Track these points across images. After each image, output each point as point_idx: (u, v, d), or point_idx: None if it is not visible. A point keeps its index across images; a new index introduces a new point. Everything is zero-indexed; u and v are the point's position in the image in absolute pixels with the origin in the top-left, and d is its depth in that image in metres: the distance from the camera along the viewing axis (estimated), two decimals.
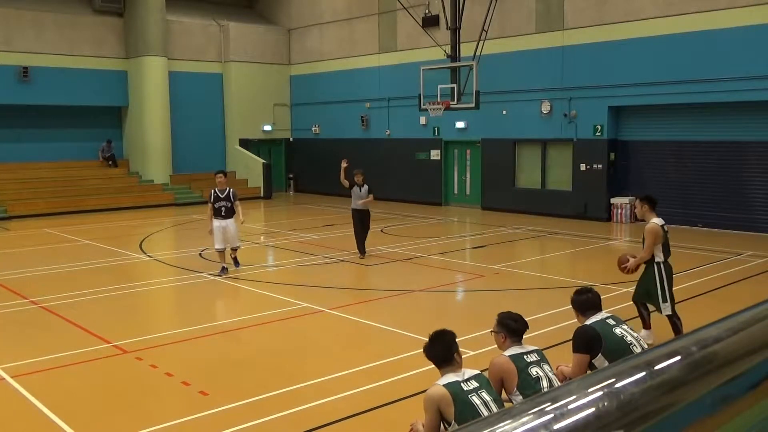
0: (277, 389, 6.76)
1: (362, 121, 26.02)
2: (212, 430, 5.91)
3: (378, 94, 25.32)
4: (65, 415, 6.25)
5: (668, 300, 7.78)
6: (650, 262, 7.88)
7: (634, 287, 8.26)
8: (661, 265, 7.82)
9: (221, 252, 12.43)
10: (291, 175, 29.32)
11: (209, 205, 12.62)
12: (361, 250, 13.84)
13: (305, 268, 13.20)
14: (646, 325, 8.07)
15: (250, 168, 27.74)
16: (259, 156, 27.80)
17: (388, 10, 24.67)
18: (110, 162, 26.53)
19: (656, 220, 7.95)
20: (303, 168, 28.99)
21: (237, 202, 12.64)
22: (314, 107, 28.22)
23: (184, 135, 27.07)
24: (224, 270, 12.38)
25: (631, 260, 8.02)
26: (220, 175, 12.69)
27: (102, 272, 13.16)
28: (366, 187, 13.98)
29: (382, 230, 17.95)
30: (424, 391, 4.37)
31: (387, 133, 25.22)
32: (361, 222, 13.90)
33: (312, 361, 7.88)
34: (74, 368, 7.71)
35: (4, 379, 7.22)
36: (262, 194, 27.03)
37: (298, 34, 28.82)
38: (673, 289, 8.02)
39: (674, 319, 7.81)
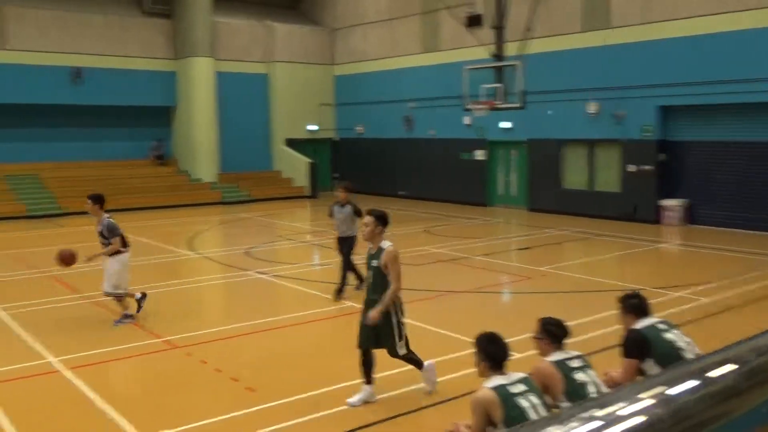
0: (323, 387, 6.84)
1: (406, 121, 26.05)
2: (259, 426, 6.02)
3: (421, 94, 25.31)
4: (117, 406, 6.43)
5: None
6: None
7: None
8: None
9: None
10: (336, 175, 29.50)
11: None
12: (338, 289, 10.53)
13: None
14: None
15: (296, 167, 28.04)
16: (304, 156, 28.07)
17: (430, 10, 24.64)
18: (160, 161, 27.11)
19: None
20: (348, 167, 29.16)
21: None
22: (358, 107, 28.36)
23: (231, 134, 27.50)
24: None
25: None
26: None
27: (152, 269, 13.48)
28: (349, 206, 10.65)
29: (426, 230, 17.95)
30: (469, 393, 4.38)
31: (431, 133, 25.20)
32: (340, 250, 10.84)
33: (357, 361, 7.95)
34: (126, 362, 7.94)
35: (59, 371, 7.48)
36: (307, 193, 27.28)
37: (342, 34, 29.00)
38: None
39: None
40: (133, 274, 12.99)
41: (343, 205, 10.63)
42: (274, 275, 12.58)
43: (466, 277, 12.45)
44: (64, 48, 24.55)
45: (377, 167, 27.65)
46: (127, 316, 9.35)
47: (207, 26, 26.21)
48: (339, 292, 10.49)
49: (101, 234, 9.26)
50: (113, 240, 9.20)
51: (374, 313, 6.21)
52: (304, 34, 28.95)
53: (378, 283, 6.30)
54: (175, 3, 26.38)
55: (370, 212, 6.42)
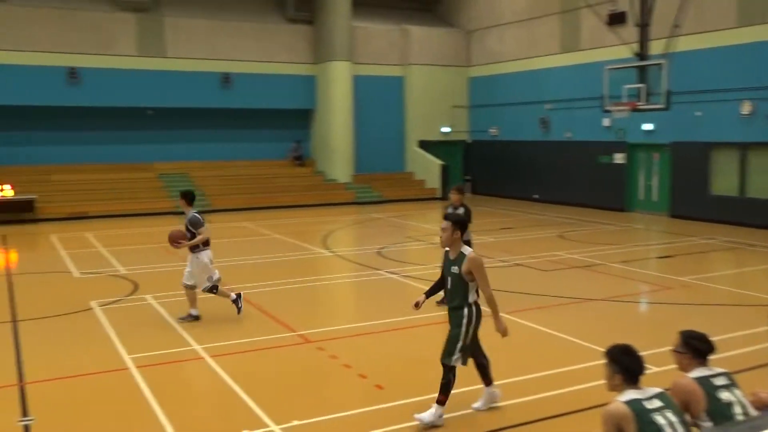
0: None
1: (542, 123, 25.48)
2: (386, 424, 6.11)
3: (559, 95, 24.66)
4: (253, 394, 6.76)
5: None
6: None
7: None
8: None
9: None
10: (468, 177, 29.38)
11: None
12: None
13: None
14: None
15: (428, 169, 28.21)
16: (437, 158, 28.17)
17: (570, 9, 23.95)
18: (298, 162, 28.21)
19: None
20: (480, 170, 28.95)
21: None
22: (493, 109, 28.08)
23: (366, 136, 28.13)
24: None
25: None
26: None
27: (287, 265, 14.05)
28: (462, 210, 9.97)
29: (560, 236, 17.47)
30: (599, 405, 4.21)
31: (567, 135, 24.49)
32: None
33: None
34: (263, 353, 8.32)
35: (203, 358, 7.97)
36: (438, 195, 27.37)
37: (477, 35, 28.82)
38: None
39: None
40: (272, 268, 13.66)
41: (456, 208, 10.35)
42: (405, 275, 12.72)
43: (601, 285, 11.99)
44: (216, 55, 26.13)
45: (511, 170, 27.25)
46: (191, 316, 9.65)
47: (346, 31, 26.95)
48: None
49: (186, 228, 9.74)
50: (198, 231, 9.58)
51: (503, 327, 6.11)
52: (440, 37, 29.06)
53: (456, 290, 6.04)
54: (316, 10, 27.34)
55: (446, 217, 6.15)
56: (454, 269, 6.00)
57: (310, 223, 21.06)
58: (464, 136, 29.69)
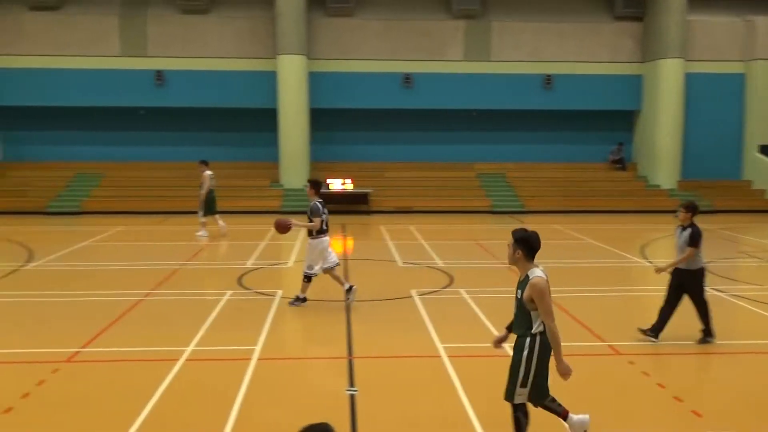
0: None
1: None
2: None
3: None
4: (558, 398, 6.69)
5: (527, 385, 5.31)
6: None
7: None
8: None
9: None
10: None
11: None
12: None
13: None
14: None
15: None
16: None
17: None
18: (618, 165, 27.07)
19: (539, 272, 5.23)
20: None
21: None
22: None
23: (696, 139, 25.95)
24: None
25: None
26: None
27: (601, 272, 13.59)
28: (689, 231, 8.55)
29: None
30: None
31: None
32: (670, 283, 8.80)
33: None
34: (569, 360, 8.16)
35: (440, 356, 8.11)
36: None
37: None
38: None
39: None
40: (580, 273, 13.34)
41: (684, 228, 8.74)
42: (733, 294, 11.47)
43: None
44: (538, 57, 26.33)
45: None
46: (299, 299, 10.29)
47: (680, 26, 25.11)
48: (652, 331, 8.66)
49: (308, 215, 10.25)
50: (314, 219, 10.03)
51: (564, 367, 5.28)
52: None
53: (521, 318, 5.31)
54: (648, 5, 25.92)
55: (513, 233, 5.32)
56: (518, 293, 5.30)
57: (628, 230, 20.09)
58: None
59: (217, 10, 26.02)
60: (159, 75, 25.67)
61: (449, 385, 7.15)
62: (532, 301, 5.17)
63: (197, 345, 8.41)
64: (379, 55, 26.11)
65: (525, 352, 5.24)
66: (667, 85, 25.39)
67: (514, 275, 5.62)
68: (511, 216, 23.57)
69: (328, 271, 10.49)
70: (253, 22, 25.94)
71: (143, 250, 15.96)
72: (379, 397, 6.80)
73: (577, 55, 26.41)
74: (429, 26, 26.24)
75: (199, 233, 17.95)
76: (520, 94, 26.36)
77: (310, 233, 10.34)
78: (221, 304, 10.51)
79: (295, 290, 10.69)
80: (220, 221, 18.03)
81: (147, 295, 11.18)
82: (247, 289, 11.64)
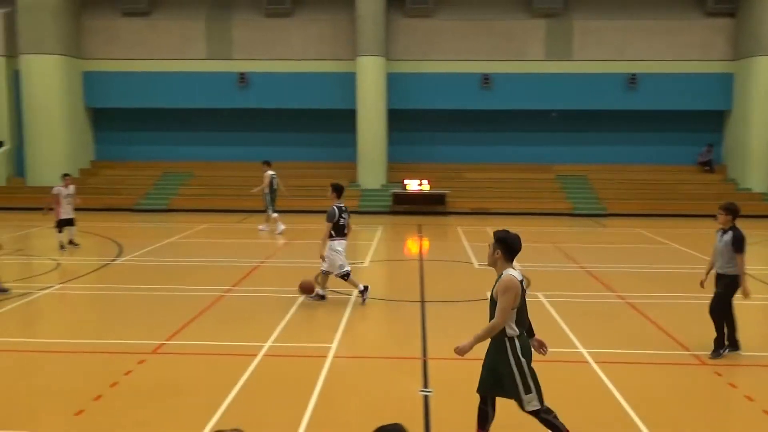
0: None
1: None
2: None
3: None
4: (637, 407, 6.49)
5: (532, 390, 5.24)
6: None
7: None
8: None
9: None
10: None
11: None
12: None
13: None
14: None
15: None
16: None
17: None
18: (707, 167, 26.02)
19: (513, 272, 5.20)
20: None
21: None
22: None
23: None
24: None
25: None
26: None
27: (687, 278, 13.08)
28: (730, 234, 8.27)
29: None
30: None
31: None
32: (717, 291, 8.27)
33: None
34: (653, 368, 7.92)
35: (587, 362, 7.94)
36: None
37: None
38: None
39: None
40: (660, 280, 12.87)
41: (725, 232, 8.26)
42: None
43: None
44: (622, 56, 25.62)
45: None
46: (318, 296, 10.64)
47: None
48: (731, 345, 8.18)
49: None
50: (326, 224, 10.41)
51: (462, 345, 5.24)
52: None
53: (492, 316, 5.27)
54: (741, 0, 24.81)
55: (494, 233, 5.31)
56: (492, 292, 5.28)
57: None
58: None
59: (299, 13, 26.53)
60: (242, 77, 26.40)
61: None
62: (497, 296, 5.18)
63: (275, 341, 8.60)
64: (457, 56, 26.00)
65: (509, 354, 5.20)
66: (760, 84, 24.21)
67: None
68: (592, 219, 23.00)
69: (328, 273, 10.69)
70: (334, 24, 26.31)
71: (225, 248, 16.44)
72: (452, 400, 6.77)
73: (664, 53, 25.53)
74: (509, 26, 25.93)
75: (278, 230, 18.63)
76: (602, 94, 25.71)
77: (330, 235, 10.53)
78: (298, 301, 10.70)
79: (371, 289, 10.77)
80: (267, 225, 19.09)
81: (228, 291, 11.51)
82: (324, 288, 11.81)
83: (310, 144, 27.37)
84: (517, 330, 5.21)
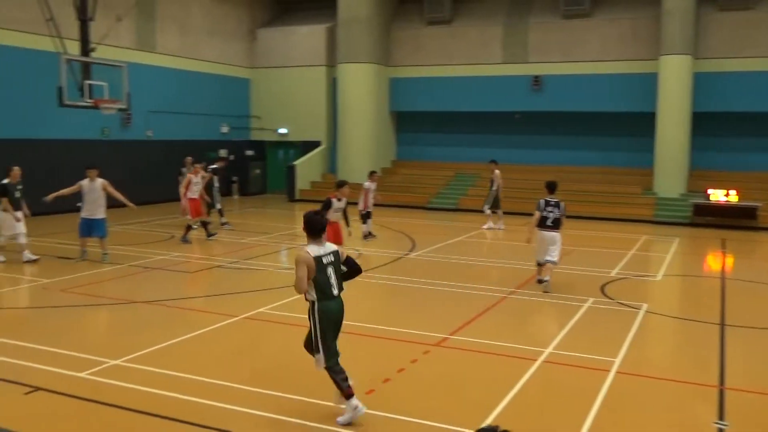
0: None
1: None
2: None
3: None
4: None
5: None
6: None
7: None
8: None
9: None
10: None
11: None
12: None
13: None
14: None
15: None
16: None
17: None
18: None
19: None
20: None
21: None
22: None
23: None
24: None
25: None
26: None
27: None
28: None
29: None
30: None
31: None
32: None
33: None
34: None
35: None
36: None
37: None
38: None
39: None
40: None
41: None
42: None
43: None
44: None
45: None
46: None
47: None
48: None
49: None
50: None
51: None
52: None
53: None
54: None
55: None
56: None
57: None
58: None
59: (599, 12, 25.69)
60: (536, 80, 26.35)
61: None
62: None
63: (555, 348, 8.48)
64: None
65: (310, 318, 6.05)
66: None
67: None
68: None
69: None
70: (635, 22, 24.99)
71: (510, 249, 16.60)
72: None
73: None
74: None
75: (485, 226, 20.12)
76: None
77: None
78: (582, 310, 10.42)
79: (662, 305, 10.09)
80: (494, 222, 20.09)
81: (512, 292, 11.63)
82: (610, 299, 11.33)
83: (603, 148, 26.35)
84: (316, 296, 5.96)
